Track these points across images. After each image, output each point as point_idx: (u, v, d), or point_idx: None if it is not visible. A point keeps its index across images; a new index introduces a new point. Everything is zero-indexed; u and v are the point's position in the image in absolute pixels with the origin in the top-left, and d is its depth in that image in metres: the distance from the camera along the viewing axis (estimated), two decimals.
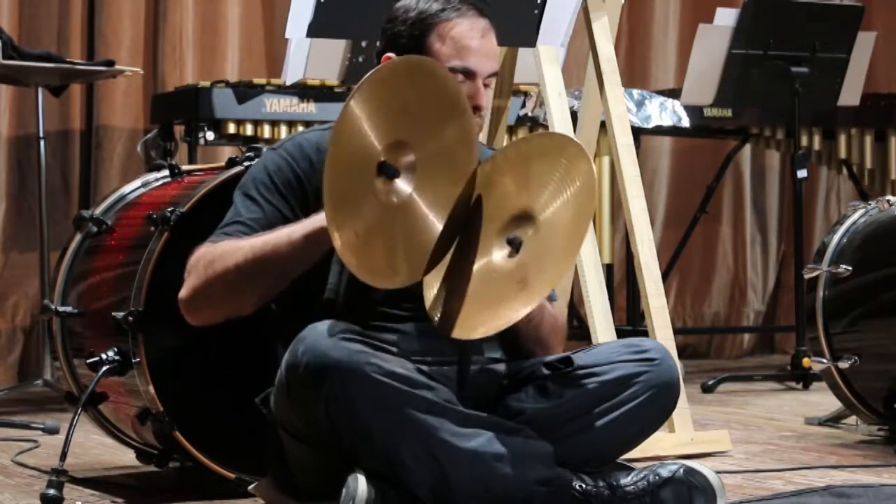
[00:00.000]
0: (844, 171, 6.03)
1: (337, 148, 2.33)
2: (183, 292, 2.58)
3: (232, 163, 3.13)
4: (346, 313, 2.55)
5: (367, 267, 2.38)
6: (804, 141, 5.67)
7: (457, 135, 2.47)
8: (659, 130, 5.73)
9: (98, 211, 3.32)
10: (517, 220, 2.49)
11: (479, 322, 2.46)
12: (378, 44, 2.69)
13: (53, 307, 3.22)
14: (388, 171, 2.40)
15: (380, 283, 2.44)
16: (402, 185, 2.43)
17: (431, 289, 2.49)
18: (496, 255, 2.49)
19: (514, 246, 2.47)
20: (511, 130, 5.14)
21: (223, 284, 2.53)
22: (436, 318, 2.48)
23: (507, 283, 2.47)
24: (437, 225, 2.47)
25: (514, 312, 2.45)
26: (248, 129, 4.84)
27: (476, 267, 2.49)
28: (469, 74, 2.59)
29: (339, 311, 2.57)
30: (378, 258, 2.40)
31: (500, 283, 2.47)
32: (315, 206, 2.54)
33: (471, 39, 2.60)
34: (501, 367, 2.70)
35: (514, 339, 2.70)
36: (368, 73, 2.37)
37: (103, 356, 2.99)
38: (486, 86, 2.63)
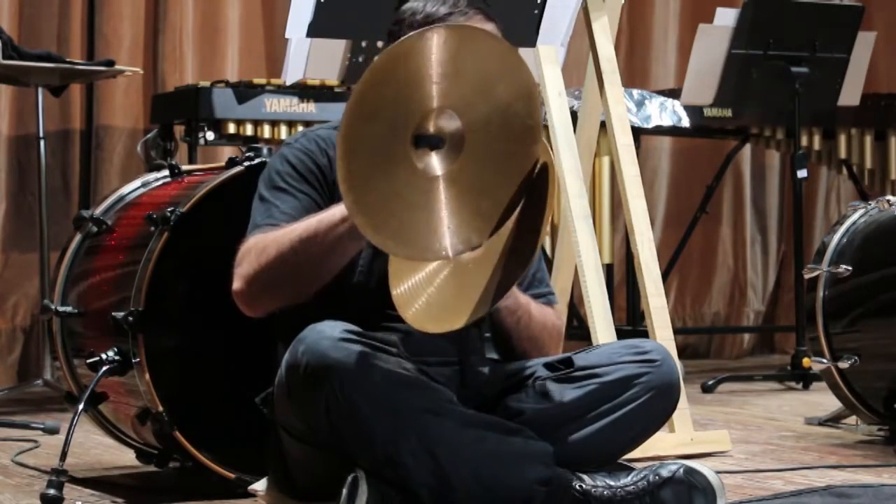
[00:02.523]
0: (844, 171, 6.03)
1: (374, 89, 2.17)
2: (236, 284, 2.53)
3: (232, 163, 3.12)
4: (378, 297, 2.51)
5: (410, 247, 2.27)
6: (804, 141, 5.67)
7: (510, 91, 2.30)
8: (659, 130, 5.73)
9: (98, 211, 3.32)
10: None
11: (469, 307, 2.42)
12: (381, 45, 2.68)
13: (53, 307, 3.22)
14: (429, 142, 2.27)
15: (431, 258, 2.35)
16: (447, 154, 2.29)
17: (398, 288, 2.43)
18: None
19: None
20: None
21: (279, 269, 2.49)
22: (411, 316, 2.42)
23: (487, 264, 2.44)
24: (499, 190, 2.32)
25: (497, 295, 2.41)
26: (248, 129, 4.84)
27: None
28: None
29: (370, 295, 2.55)
30: (422, 235, 2.28)
31: (476, 268, 2.44)
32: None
33: None
34: (501, 367, 2.70)
35: (506, 340, 2.70)
36: (439, 25, 2.25)
37: (103, 356, 2.99)
38: None
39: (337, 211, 2.47)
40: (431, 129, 2.29)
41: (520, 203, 2.37)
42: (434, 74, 2.24)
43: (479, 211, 2.32)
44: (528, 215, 2.40)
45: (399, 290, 2.42)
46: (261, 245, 2.52)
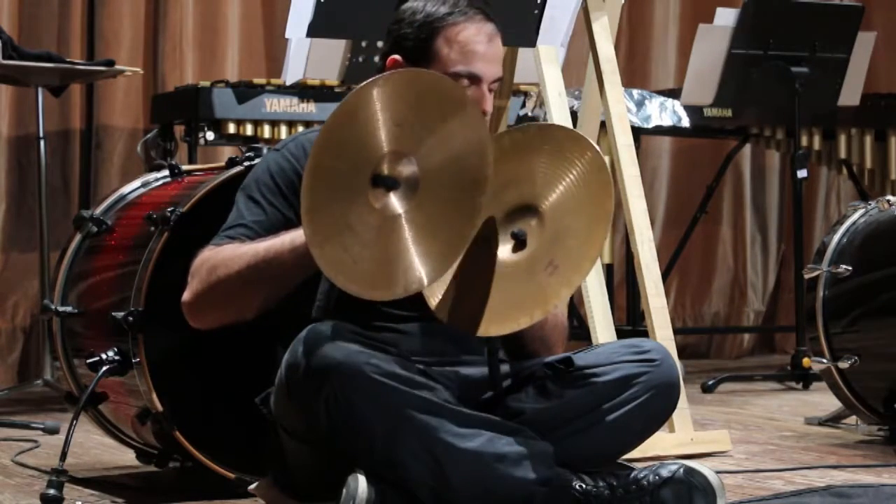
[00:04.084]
0: (844, 171, 6.03)
1: (330, 139, 2.26)
2: (186, 296, 2.57)
3: (232, 163, 3.13)
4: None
5: (360, 282, 2.32)
6: (804, 141, 5.67)
7: (465, 141, 2.39)
8: (659, 130, 5.73)
9: (98, 211, 3.32)
10: (517, 212, 2.48)
11: (513, 315, 2.45)
12: (381, 44, 2.68)
13: (53, 307, 3.22)
14: (385, 183, 2.34)
15: (376, 296, 2.39)
16: (402, 196, 2.36)
17: (435, 296, 2.46)
18: (500, 250, 2.48)
19: (519, 239, 2.46)
20: None
21: (226, 290, 2.52)
22: (450, 320, 2.45)
23: (532, 272, 2.45)
24: (448, 232, 2.39)
25: (555, 296, 2.45)
26: (248, 129, 4.84)
27: (486, 262, 2.47)
28: (474, 79, 2.58)
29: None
30: (373, 272, 2.34)
31: (520, 274, 2.46)
32: None
33: (477, 44, 2.59)
34: (502, 367, 2.70)
35: (518, 339, 2.70)
36: (384, 74, 2.30)
37: (103, 356, 2.99)
38: (490, 90, 2.62)
39: (287, 238, 2.49)
40: (387, 170, 2.34)
41: (464, 253, 2.41)
42: (387, 121, 2.30)
43: (428, 254, 2.37)
44: (582, 239, 2.46)
45: (435, 299, 2.44)
46: (212, 262, 2.54)
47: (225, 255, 2.54)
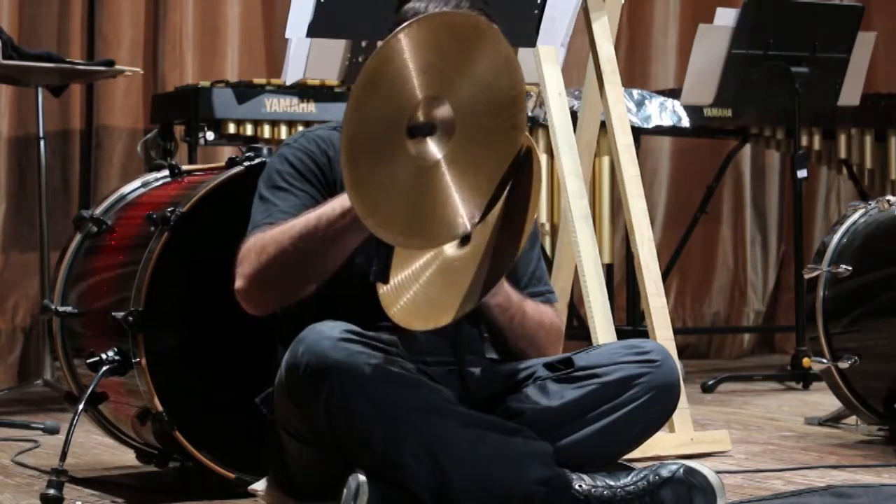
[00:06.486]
0: (844, 171, 6.03)
1: (365, 99, 2.22)
2: (238, 283, 2.53)
3: (232, 163, 3.13)
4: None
5: (413, 235, 2.30)
6: (804, 141, 5.67)
7: (491, 65, 2.34)
8: (659, 130, 5.73)
9: (98, 211, 3.32)
10: None
11: (452, 305, 2.43)
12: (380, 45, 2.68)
13: (53, 307, 3.22)
14: (422, 131, 2.31)
15: (429, 245, 2.37)
16: (440, 141, 2.33)
17: (383, 286, 2.42)
18: (446, 246, 2.47)
19: (463, 237, 2.46)
20: None
21: (280, 266, 2.49)
22: (397, 313, 2.43)
23: (472, 266, 2.45)
24: (491, 169, 2.37)
25: (484, 290, 2.43)
26: (248, 129, 4.84)
27: (429, 257, 2.46)
28: None
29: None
30: (422, 222, 2.31)
31: (462, 268, 2.45)
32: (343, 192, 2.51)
33: None
34: (501, 367, 2.70)
35: (501, 339, 2.70)
36: (399, 29, 2.25)
37: (103, 356, 2.99)
38: None
39: (337, 205, 2.47)
40: (422, 118, 2.31)
41: (511, 177, 2.39)
42: (414, 70, 2.27)
43: (475, 188, 2.35)
44: (514, 208, 2.42)
45: (385, 288, 2.42)
46: (260, 244, 2.52)
47: (272, 233, 2.51)
